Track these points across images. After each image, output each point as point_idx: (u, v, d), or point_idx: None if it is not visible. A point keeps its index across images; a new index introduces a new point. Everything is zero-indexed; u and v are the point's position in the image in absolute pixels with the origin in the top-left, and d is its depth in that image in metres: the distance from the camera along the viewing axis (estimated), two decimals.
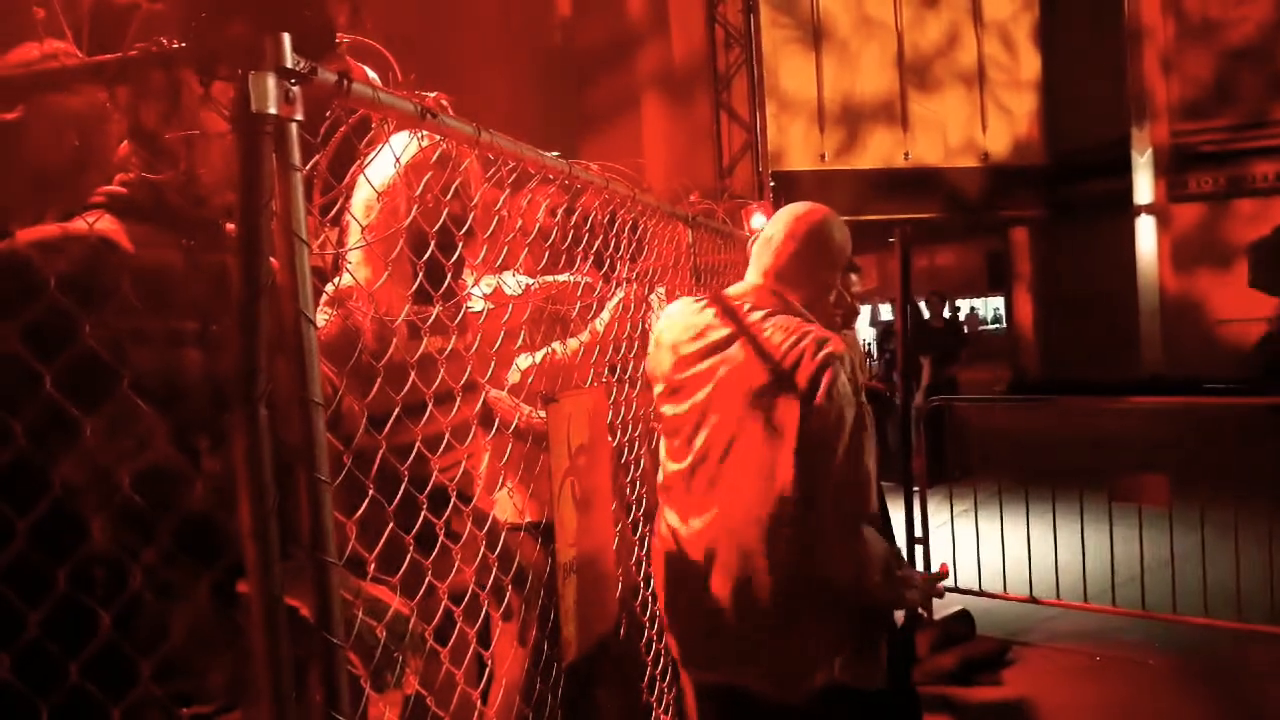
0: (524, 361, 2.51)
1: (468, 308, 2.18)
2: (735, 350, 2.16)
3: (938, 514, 5.68)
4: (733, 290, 2.29)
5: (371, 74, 2.64)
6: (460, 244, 1.98)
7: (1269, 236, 12.83)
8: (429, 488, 1.55)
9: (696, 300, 2.34)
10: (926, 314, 9.14)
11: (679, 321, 2.28)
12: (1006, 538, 5.10)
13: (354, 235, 1.96)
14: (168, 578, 1.21)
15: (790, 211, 2.33)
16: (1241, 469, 5.78)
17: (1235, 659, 4.43)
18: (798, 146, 13.41)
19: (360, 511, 1.30)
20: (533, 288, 2.56)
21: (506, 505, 2.47)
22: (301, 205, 1.15)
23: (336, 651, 1.15)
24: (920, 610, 4.75)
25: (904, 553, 4.89)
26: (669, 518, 2.21)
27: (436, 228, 1.82)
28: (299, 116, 1.14)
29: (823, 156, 13.54)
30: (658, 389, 2.28)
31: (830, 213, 2.35)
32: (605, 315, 2.50)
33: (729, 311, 2.22)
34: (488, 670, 1.71)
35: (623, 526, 2.31)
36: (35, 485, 1.16)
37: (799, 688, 2.07)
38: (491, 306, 2.47)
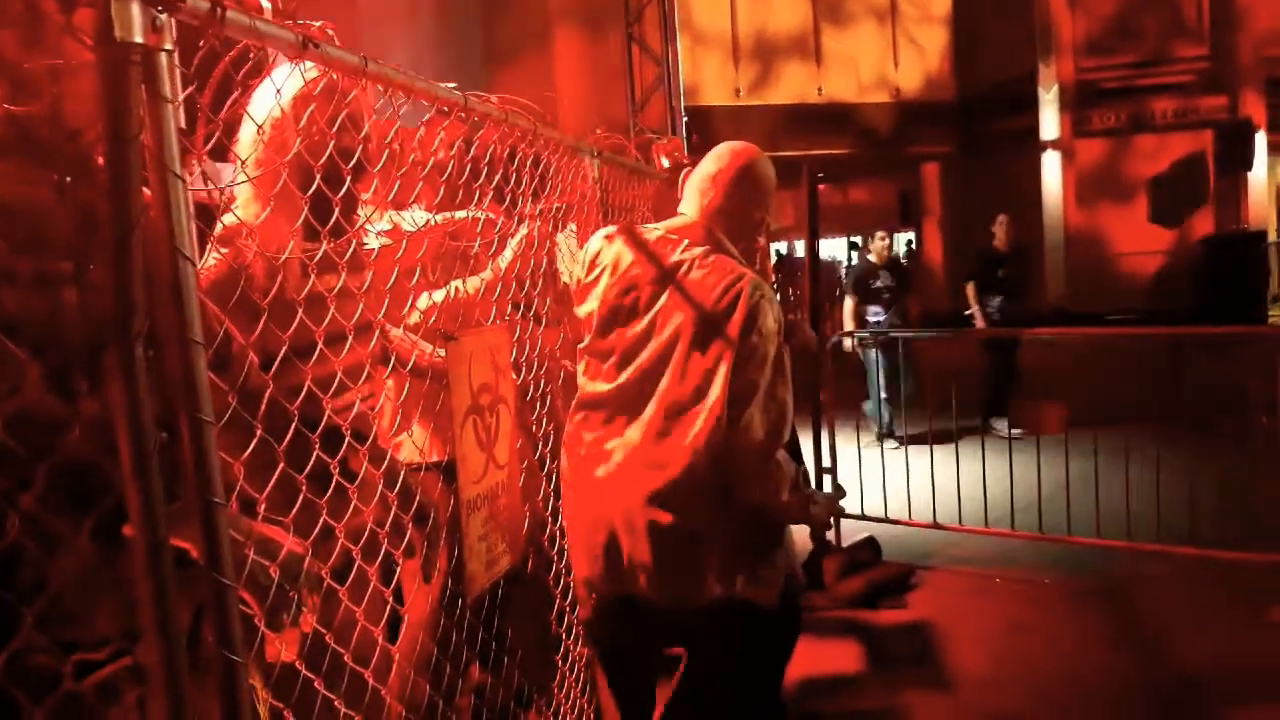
0: (424, 300, 2.48)
1: (362, 244, 2.14)
2: (674, 285, 2.31)
3: (846, 445, 5.83)
4: (673, 223, 2.42)
5: (265, 3, 2.56)
6: (350, 179, 1.93)
7: (1167, 172, 13.25)
8: (321, 428, 1.53)
9: (641, 230, 2.44)
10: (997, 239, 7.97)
11: (621, 250, 2.39)
12: (912, 467, 5.26)
13: (241, 172, 1.91)
14: (48, 525, 1.18)
15: (726, 149, 2.46)
16: (1136, 398, 6.03)
17: (1124, 575, 4.66)
18: (712, 81, 13.35)
19: (248, 452, 1.28)
20: (432, 224, 2.52)
21: (409, 445, 2.46)
22: (174, 138, 1.11)
23: (226, 592, 1.15)
24: (828, 537, 4.89)
25: (813, 482, 5.01)
26: (584, 437, 2.32)
27: (323, 162, 1.77)
28: (169, 45, 1.10)
29: (737, 91, 13.51)
30: (586, 308, 2.38)
31: (760, 153, 2.50)
32: (508, 253, 2.48)
33: (670, 246, 2.36)
34: (390, 609, 1.71)
35: (529, 463, 2.32)
36: None
37: (696, 599, 2.20)
38: (388, 243, 2.44)
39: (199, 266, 1.87)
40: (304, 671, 1.34)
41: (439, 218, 2.52)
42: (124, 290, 1.06)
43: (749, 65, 13.57)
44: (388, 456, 1.86)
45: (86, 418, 1.25)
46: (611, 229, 2.50)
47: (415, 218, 2.56)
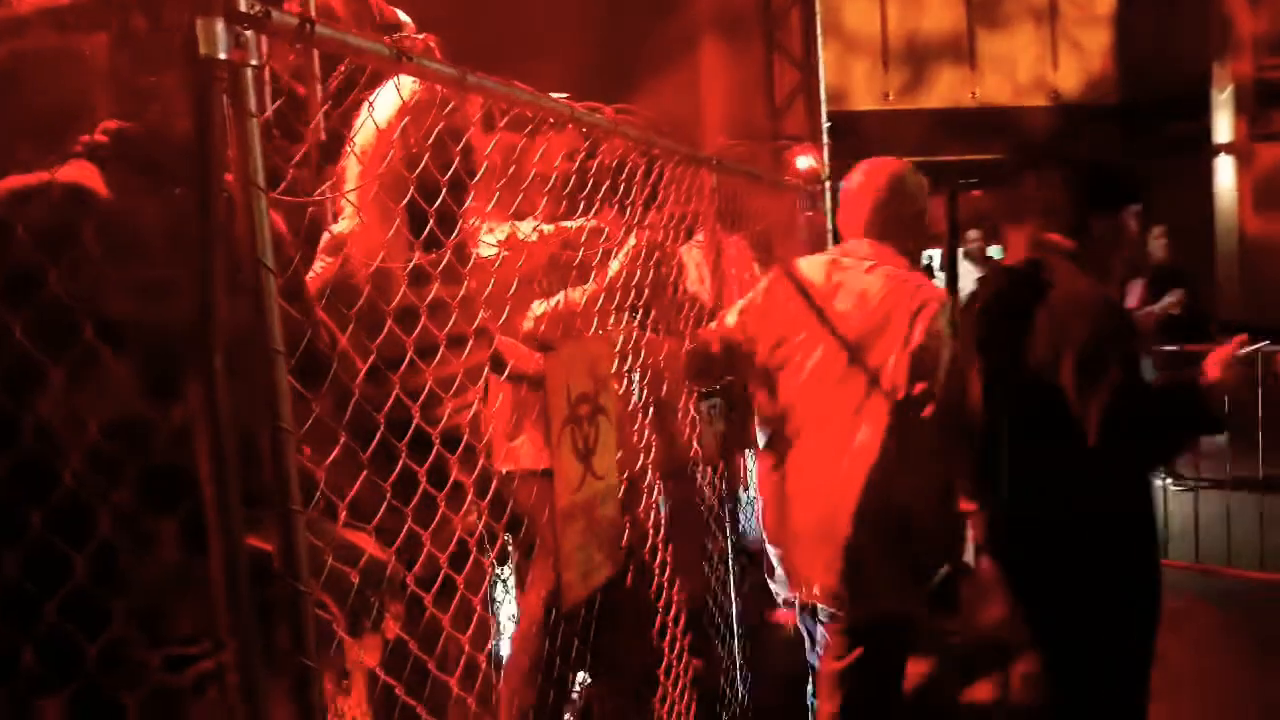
0: (538, 308, 2.50)
1: (475, 254, 2.17)
2: (844, 298, 2.51)
3: None
4: (841, 248, 2.68)
5: (404, 17, 2.63)
6: (451, 191, 1.96)
7: None
8: (409, 434, 1.55)
9: (813, 258, 2.72)
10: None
11: (800, 274, 2.63)
12: None
13: (349, 183, 1.96)
14: (142, 525, 1.23)
15: (876, 165, 2.65)
16: None
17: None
18: (861, 86, 13.09)
19: (331, 458, 1.30)
20: (546, 234, 2.54)
21: (524, 452, 2.48)
22: (258, 152, 1.14)
23: (301, 597, 1.17)
24: (966, 559, 4.70)
25: None
26: (774, 450, 2.56)
27: (422, 174, 1.80)
28: (254, 61, 1.13)
29: (886, 96, 13.21)
30: (764, 331, 2.61)
31: (908, 164, 2.69)
32: (615, 263, 2.48)
33: (838, 265, 2.59)
34: (484, 618, 1.72)
35: (630, 474, 2.31)
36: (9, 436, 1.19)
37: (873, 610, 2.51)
38: (504, 252, 2.47)
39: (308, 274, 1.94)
40: (383, 677, 1.36)
41: (551, 228, 2.53)
42: (207, 299, 1.09)
43: (899, 69, 13.25)
44: (479, 464, 1.87)
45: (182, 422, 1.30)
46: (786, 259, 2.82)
47: (532, 228, 2.59)
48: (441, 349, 1.90)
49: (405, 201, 1.85)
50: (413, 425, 1.68)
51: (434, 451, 1.57)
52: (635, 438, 2.35)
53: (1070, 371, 2.26)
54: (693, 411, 2.78)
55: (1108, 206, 2.50)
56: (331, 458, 1.30)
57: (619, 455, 2.14)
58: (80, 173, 1.39)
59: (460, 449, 1.81)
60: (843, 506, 2.43)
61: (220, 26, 1.08)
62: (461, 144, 1.95)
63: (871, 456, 2.41)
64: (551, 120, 1.96)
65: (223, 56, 1.08)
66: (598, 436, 2.01)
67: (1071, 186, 2.55)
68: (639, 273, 2.47)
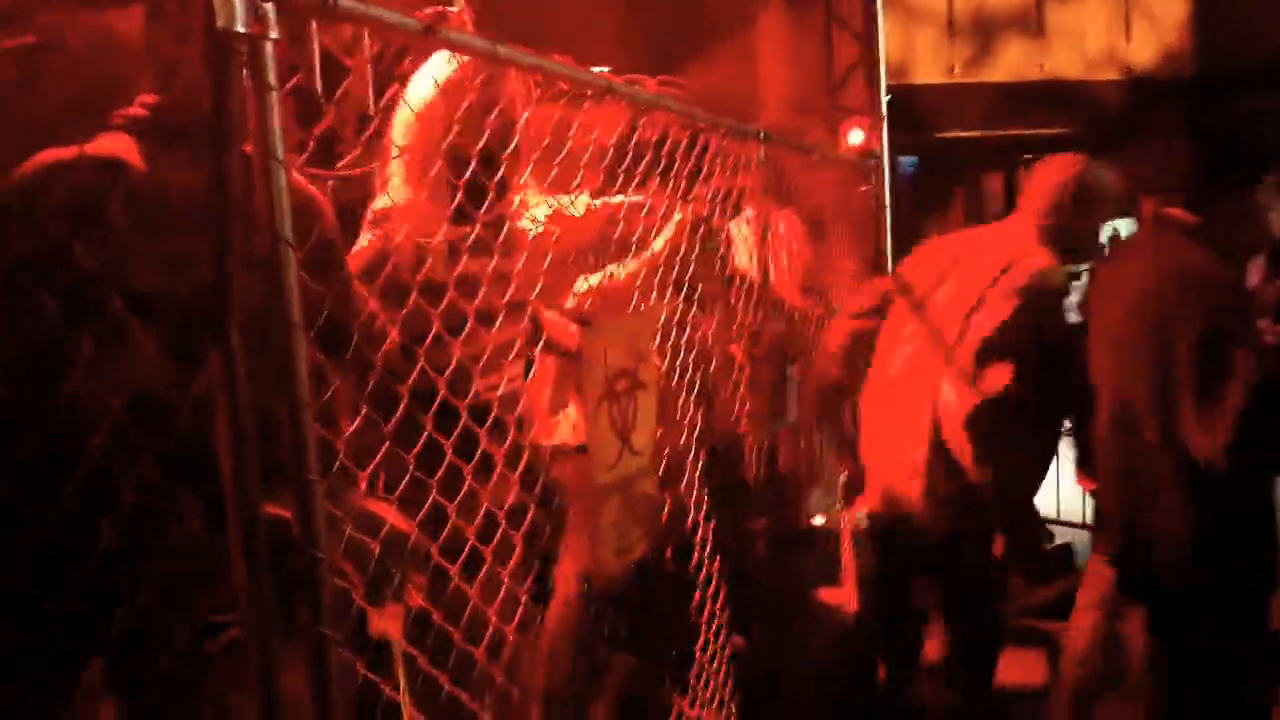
0: (582, 284, 2.49)
1: (515, 227, 2.16)
2: (956, 277, 2.71)
3: None
4: (991, 226, 2.94)
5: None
6: (484, 165, 1.95)
7: None
8: (438, 407, 1.55)
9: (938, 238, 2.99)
10: None
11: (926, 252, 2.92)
12: None
13: (393, 158, 1.97)
14: (170, 496, 1.25)
15: (1065, 159, 2.86)
16: None
17: None
18: (926, 59, 12.81)
19: (352, 428, 1.30)
20: (592, 209, 2.52)
21: (564, 427, 2.49)
22: (277, 125, 1.14)
23: (319, 566, 1.17)
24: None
25: None
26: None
27: (455, 146, 1.79)
28: (274, 34, 1.12)
29: (952, 69, 12.92)
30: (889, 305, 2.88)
31: (1093, 162, 2.88)
32: (660, 239, 2.45)
33: (963, 243, 2.83)
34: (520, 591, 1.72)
35: (673, 450, 2.29)
36: (37, 409, 1.21)
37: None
38: (539, 228, 2.46)
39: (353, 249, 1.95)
40: (404, 647, 1.37)
41: (598, 203, 2.52)
42: (223, 272, 1.10)
43: (965, 41, 12.93)
44: (510, 438, 1.87)
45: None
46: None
47: (578, 202, 2.57)
48: (470, 323, 1.89)
49: (446, 176, 1.85)
50: (439, 398, 1.70)
51: (460, 424, 1.57)
52: (678, 414, 2.34)
53: (1186, 362, 2.08)
54: (742, 389, 2.75)
55: (1236, 179, 2.38)
56: (352, 428, 1.31)
57: (659, 431, 2.12)
58: (115, 145, 1.41)
59: (490, 423, 1.81)
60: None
61: (238, 0, 1.07)
62: (499, 118, 1.94)
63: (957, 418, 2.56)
64: (590, 93, 1.93)
65: (240, 30, 1.08)
66: (636, 412, 2.00)
67: (1196, 158, 2.47)
68: (684, 248, 2.44)
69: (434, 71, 1.91)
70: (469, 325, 1.81)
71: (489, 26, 2.02)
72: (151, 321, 1.27)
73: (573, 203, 2.54)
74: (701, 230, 2.48)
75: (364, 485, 1.30)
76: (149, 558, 1.22)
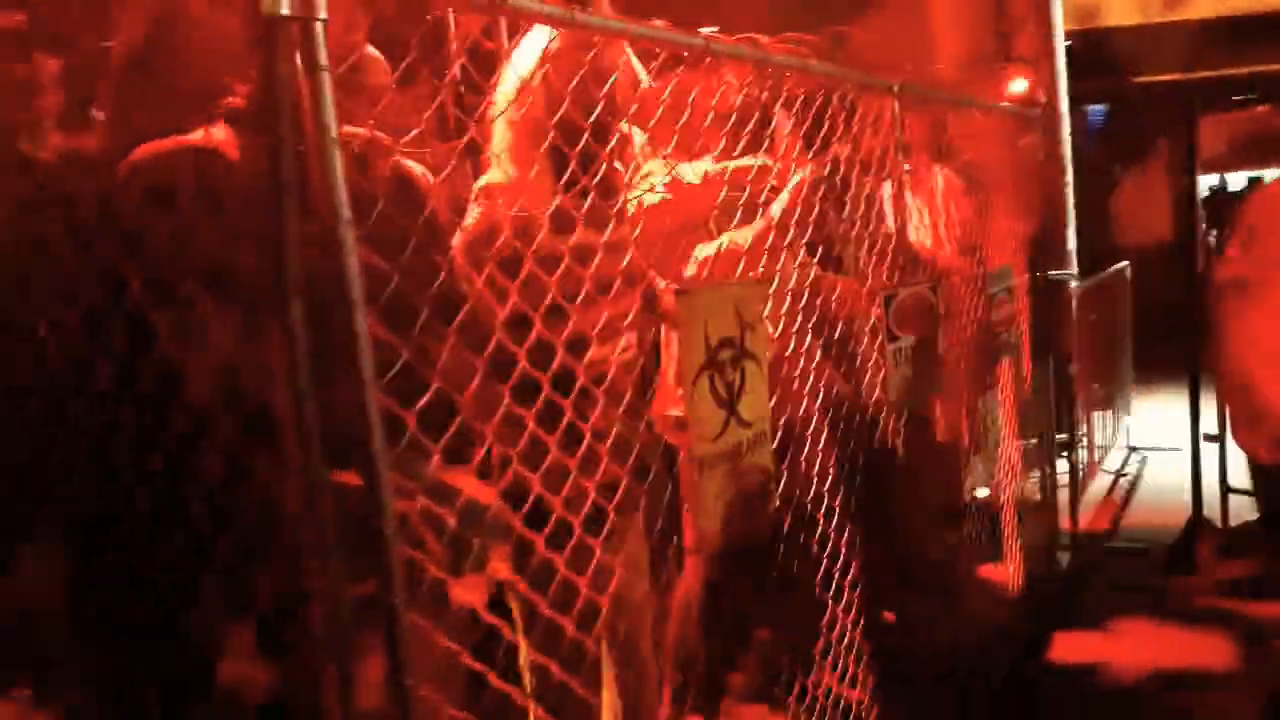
0: (700, 252, 2.45)
1: (633, 199, 2.15)
2: None
3: None
4: None
5: None
6: (594, 135, 1.93)
7: None
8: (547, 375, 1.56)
9: None
10: None
11: None
12: None
13: (497, 133, 1.98)
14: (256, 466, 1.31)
15: None
16: None
17: None
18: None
19: (424, 400, 1.32)
20: (712, 175, 2.48)
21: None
22: (330, 106, 1.16)
23: (384, 538, 1.20)
24: (1206, 514, 4.29)
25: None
26: None
27: (562, 119, 1.78)
28: (322, 15, 1.14)
29: (1148, 7, 11.99)
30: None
31: None
32: (779, 202, 2.38)
33: None
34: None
35: (795, 420, 2.23)
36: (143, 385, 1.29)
37: None
38: (658, 196, 2.43)
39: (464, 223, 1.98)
40: (486, 617, 1.38)
41: (716, 168, 2.47)
42: (281, 251, 1.13)
43: None
44: (617, 410, 1.85)
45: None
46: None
47: (698, 169, 2.53)
48: (580, 295, 1.89)
49: (550, 148, 1.85)
50: (551, 369, 1.71)
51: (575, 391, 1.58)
52: (798, 383, 2.27)
53: None
54: (876, 354, 2.65)
55: None
56: (425, 400, 1.32)
57: (774, 401, 2.07)
58: (215, 135, 1.48)
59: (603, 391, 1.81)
60: None
61: None
62: (606, 87, 1.92)
63: None
64: (687, 55, 1.89)
65: (285, 13, 1.10)
66: (743, 382, 1.95)
67: None
68: (805, 209, 2.36)
69: (532, 44, 1.91)
70: (580, 296, 1.81)
71: None
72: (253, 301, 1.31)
73: (691, 169, 2.51)
74: (821, 190, 2.38)
75: (439, 456, 1.31)
76: (233, 523, 1.28)
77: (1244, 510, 4.39)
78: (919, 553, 3.35)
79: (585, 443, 1.63)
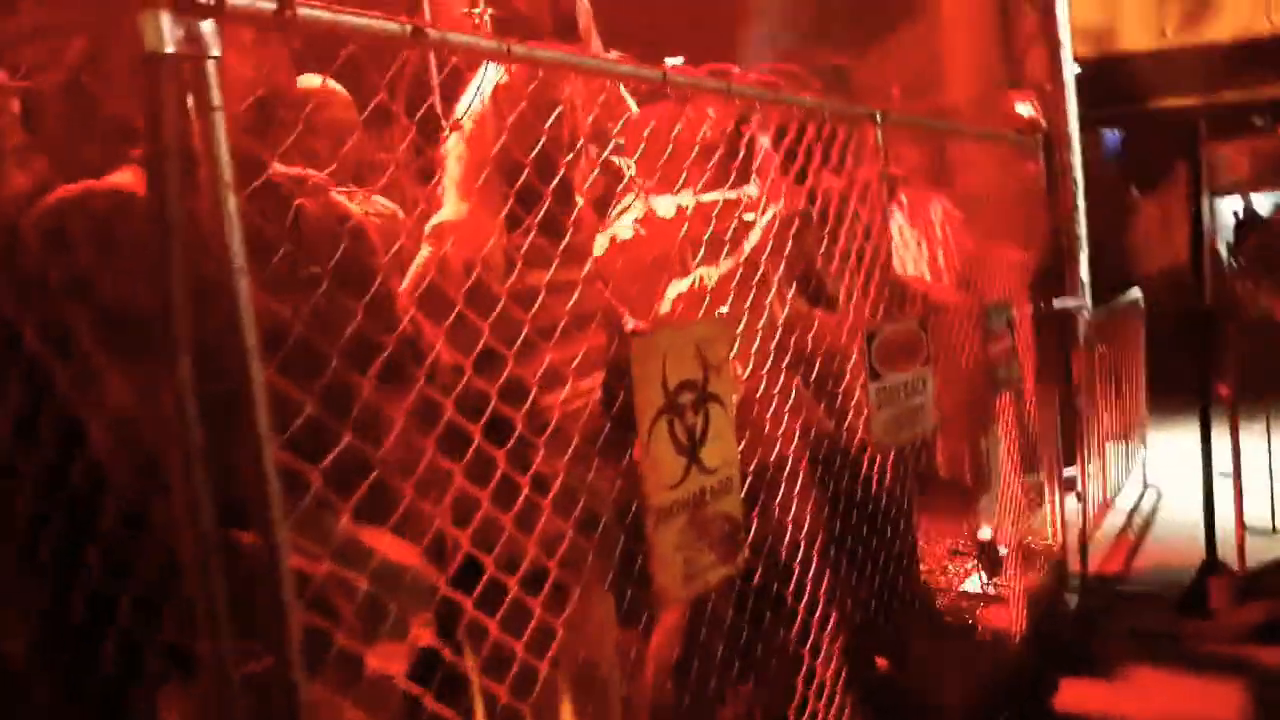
0: (673, 290, 2.38)
1: (583, 236, 2.07)
2: None
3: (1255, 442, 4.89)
4: None
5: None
6: (555, 170, 1.86)
7: None
8: (483, 419, 1.48)
9: None
10: None
11: None
12: None
13: (450, 170, 1.92)
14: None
15: None
16: None
17: None
18: (1131, 23, 11.86)
19: (331, 458, 1.24)
20: (686, 208, 2.40)
21: None
22: (225, 149, 1.09)
23: (285, 610, 1.12)
24: (1220, 555, 4.14)
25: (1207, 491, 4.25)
26: None
27: (512, 157, 1.72)
28: (214, 52, 1.08)
29: (1163, 32, 11.89)
30: None
31: None
32: (754, 236, 2.30)
33: None
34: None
35: (763, 463, 2.14)
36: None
37: None
38: (629, 233, 2.36)
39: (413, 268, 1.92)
40: (404, 686, 1.30)
41: (690, 202, 2.39)
42: (169, 300, 1.06)
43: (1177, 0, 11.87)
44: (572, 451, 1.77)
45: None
46: None
47: (672, 203, 2.46)
48: (530, 337, 1.82)
49: (506, 186, 1.79)
50: (501, 415, 1.63)
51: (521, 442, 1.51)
52: (772, 425, 2.18)
53: None
54: (858, 394, 2.55)
55: None
56: (336, 451, 1.24)
57: (743, 445, 1.98)
58: (128, 178, 1.42)
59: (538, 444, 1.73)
60: None
61: (166, 19, 1.03)
62: (558, 123, 1.86)
63: None
64: (645, 89, 1.82)
65: (170, 50, 1.04)
66: (707, 426, 1.86)
67: None
68: (779, 244, 2.28)
69: (484, 80, 1.86)
70: (524, 339, 1.74)
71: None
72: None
73: (665, 203, 2.44)
74: (797, 224, 2.30)
75: (349, 513, 1.23)
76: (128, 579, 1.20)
77: (1260, 550, 4.25)
78: (915, 597, 3.24)
79: (523, 495, 1.54)
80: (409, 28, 1.30)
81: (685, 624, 2.37)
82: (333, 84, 2.24)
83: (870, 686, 2.88)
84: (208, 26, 1.06)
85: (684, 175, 2.36)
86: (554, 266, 1.84)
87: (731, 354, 1.96)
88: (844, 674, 2.32)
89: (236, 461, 1.11)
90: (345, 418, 1.28)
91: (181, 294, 1.06)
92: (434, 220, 1.91)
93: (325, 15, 1.20)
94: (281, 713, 1.11)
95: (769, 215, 2.31)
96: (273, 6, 1.13)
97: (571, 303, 1.89)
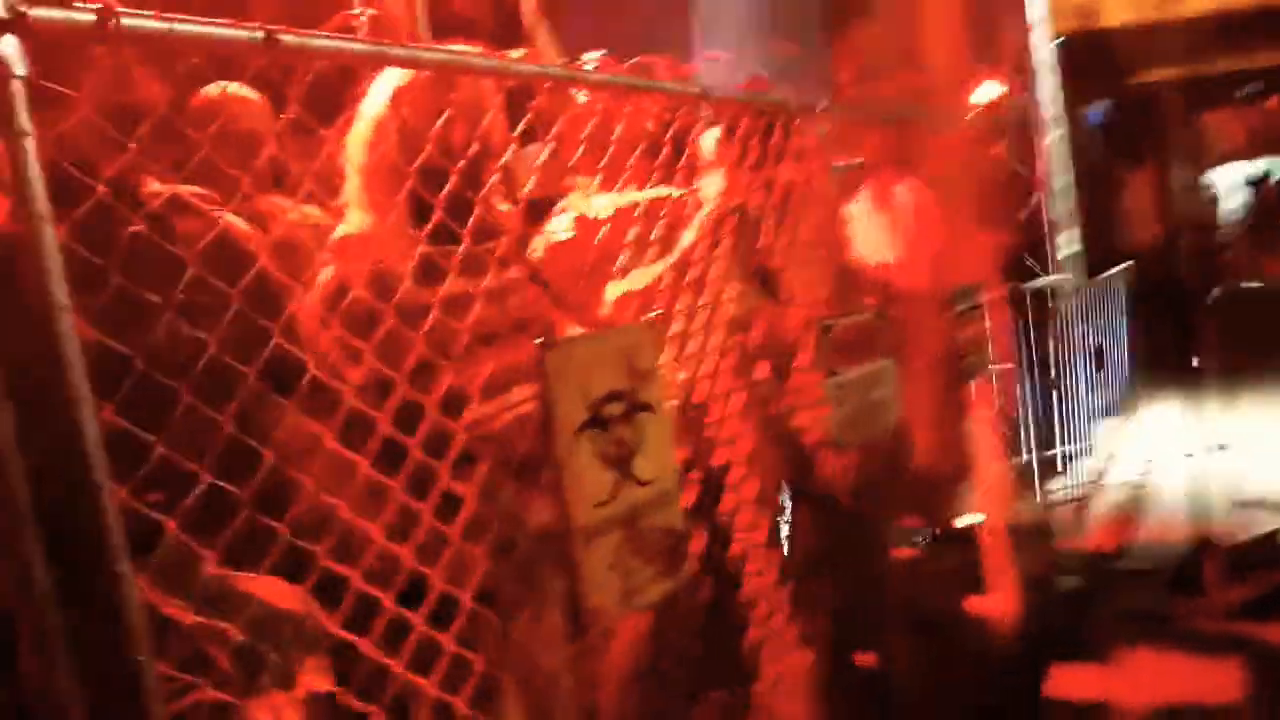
0: (611, 291, 2.29)
1: (504, 241, 1.98)
2: None
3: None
4: None
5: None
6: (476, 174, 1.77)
7: None
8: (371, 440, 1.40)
9: None
10: None
11: None
12: None
13: (349, 182, 1.84)
14: None
15: None
16: None
17: None
18: None
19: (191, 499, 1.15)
20: (621, 207, 2.31)
21: None
22: (37, 175, 1.00)
23: (138, 666, 1.03)
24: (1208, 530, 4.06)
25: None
26: None
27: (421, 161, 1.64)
28: (19, 71, 0.99)
29: (1146, 4, 11.76)
30: None
31: None
32: (688, 235, 2.21)
33: None
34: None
35: (706, 471, 2.06)
36: None
37: None
38: (563, 234, 2.28)
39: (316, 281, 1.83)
40: None
41: (625, 200, 2.30)
42: None
43: None
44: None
45: None
46: None
47: (607, 202, 2.37)
48: (451, 350, 1.73)
49: (409, 193, 1.71)
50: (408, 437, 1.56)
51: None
52: (713, 431, 2.09)
53: None
54: (819, 390, 2.46)
55: None
56: (196, 493, 1.15)
57: (685, 452, 1.90)
58: None
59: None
60: None
61: None
62: (463, 123, 1.77)
63: None
64: (547, 85, 1.73)
65: None
66: (639, 437, 1.77)
67: None
68: (712, 241, 2.19)
69: (383, 85, 1.77)
70: (420, 357, 1.66)
71: None
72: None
73: (600, 202, 2.35)
74: (732, 220, 2.22)
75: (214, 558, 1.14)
76: None
77: (1252, 524, 4.15)
78: (892, 589, 3.16)
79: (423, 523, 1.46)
80: (260, 34, 1.20)
81: (643, 634, 2.28)
82: (242, 91, 2.16)
83: (848, 684, 2.80)
84: (8, 44, 0.98)
85: (626, 172, 2.28)
86: (449, 278, 1.75)
87: (662, 359, 1.87)
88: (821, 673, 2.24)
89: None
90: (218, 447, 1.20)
91: None
92: (334, 235, 1.82)
93: (155, 25, 1.11)
94: None
95: (703, 212, 2.22)
96: (91, 19, 1.04)
97: (476, 314, 1.81)
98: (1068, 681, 3.46)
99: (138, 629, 1.03)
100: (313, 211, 2.31)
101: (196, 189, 1.52)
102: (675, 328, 2.18)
